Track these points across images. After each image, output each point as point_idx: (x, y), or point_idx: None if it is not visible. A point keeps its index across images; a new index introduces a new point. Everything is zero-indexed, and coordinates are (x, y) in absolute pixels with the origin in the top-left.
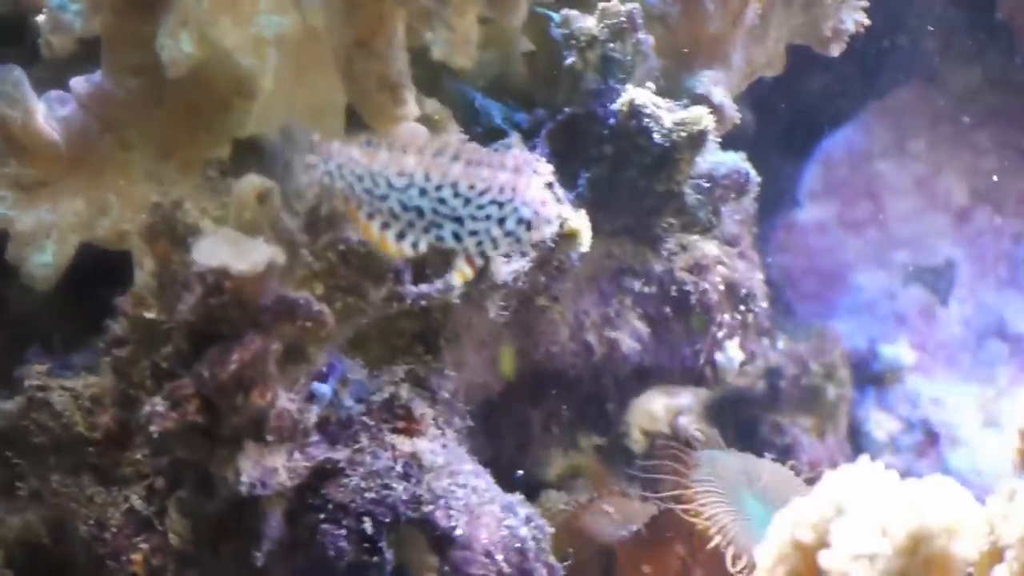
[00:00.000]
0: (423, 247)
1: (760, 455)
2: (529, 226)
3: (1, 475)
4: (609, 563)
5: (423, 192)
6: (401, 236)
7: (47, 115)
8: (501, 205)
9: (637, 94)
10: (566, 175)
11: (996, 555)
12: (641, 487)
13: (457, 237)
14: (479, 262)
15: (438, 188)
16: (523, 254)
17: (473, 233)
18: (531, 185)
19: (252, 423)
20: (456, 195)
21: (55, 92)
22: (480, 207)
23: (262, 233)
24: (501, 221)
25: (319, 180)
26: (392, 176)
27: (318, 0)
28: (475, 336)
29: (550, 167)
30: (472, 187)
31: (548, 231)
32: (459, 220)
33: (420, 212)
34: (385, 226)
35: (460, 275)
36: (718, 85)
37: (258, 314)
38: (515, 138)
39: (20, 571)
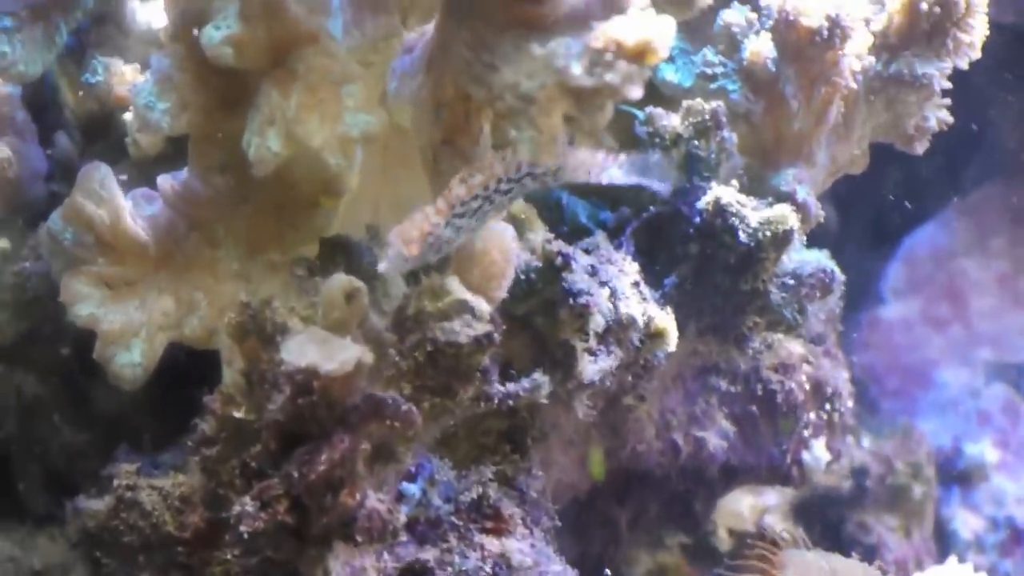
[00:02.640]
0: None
1: (846, 554)
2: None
3: (91, 574)
4: None
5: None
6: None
7: (134, 213)
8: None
9: (722, 192)
10: (651, 274)
11: None
12: None
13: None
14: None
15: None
16: (609, 353)
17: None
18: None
19: (341, 523)
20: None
21: (142, 190)
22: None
23: (350, 333)
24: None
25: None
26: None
27: (405, 99)
28: (562, 435)
29: (636, 266)
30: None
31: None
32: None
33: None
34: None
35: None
36: (802, 183)
37: (347, 414)
38: (600, 237)
39: None
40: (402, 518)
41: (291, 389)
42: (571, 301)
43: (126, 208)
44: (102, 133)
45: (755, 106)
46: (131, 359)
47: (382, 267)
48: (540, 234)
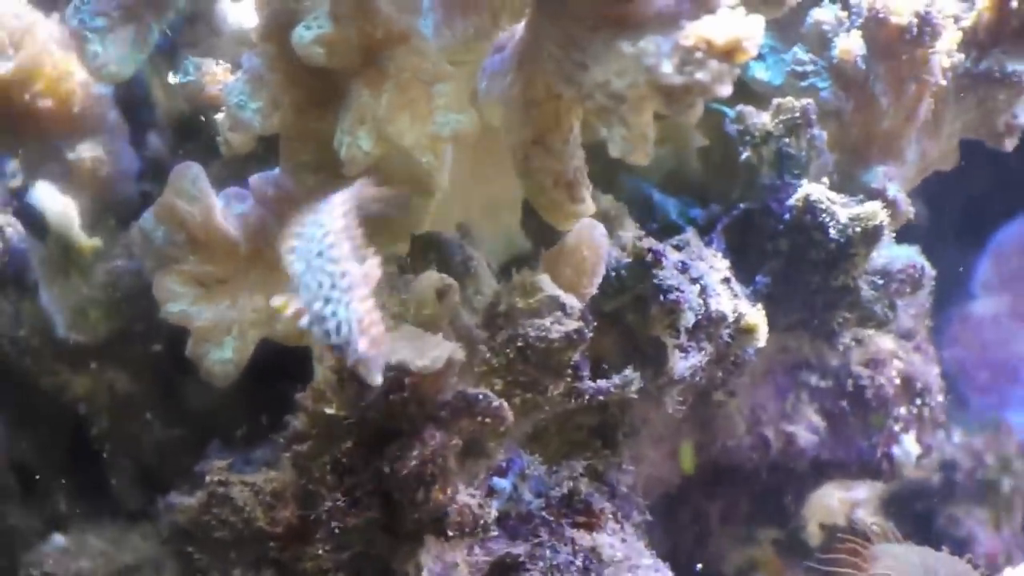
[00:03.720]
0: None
1: (936, 548)
2: (339, 330)
3: (183, 570)
4: None
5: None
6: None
7: (225, 212)
8: (333, 287)
9: (812, 189)
10: (742, 270)
11: None
12: None
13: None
14: (302, 322)
15: (319, 254)
16: (700, 349)
17: (306, 286)
18: (365, 301)
19: (433, 518)
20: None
21: (233, 189)
22: (322, 269)
23: (441, 329)
24: (327, 300)
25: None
26: (320, 209)
27: (495, 97)
28: (653, 431)
29: (726, 262)
30: (332, 245)
31: (354, 362)
32: (308, 264)
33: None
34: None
35: (281, 304)
36: (892, 180)
37: (438, 410)
38: (690, 233)
39: None
40: (493, 513)
41: (382, 385)
42: (662, 297)
43: (217, 207)
44: (194, 132)
45: (845, 104)
46: (223, 356)
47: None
48: (630, 231)
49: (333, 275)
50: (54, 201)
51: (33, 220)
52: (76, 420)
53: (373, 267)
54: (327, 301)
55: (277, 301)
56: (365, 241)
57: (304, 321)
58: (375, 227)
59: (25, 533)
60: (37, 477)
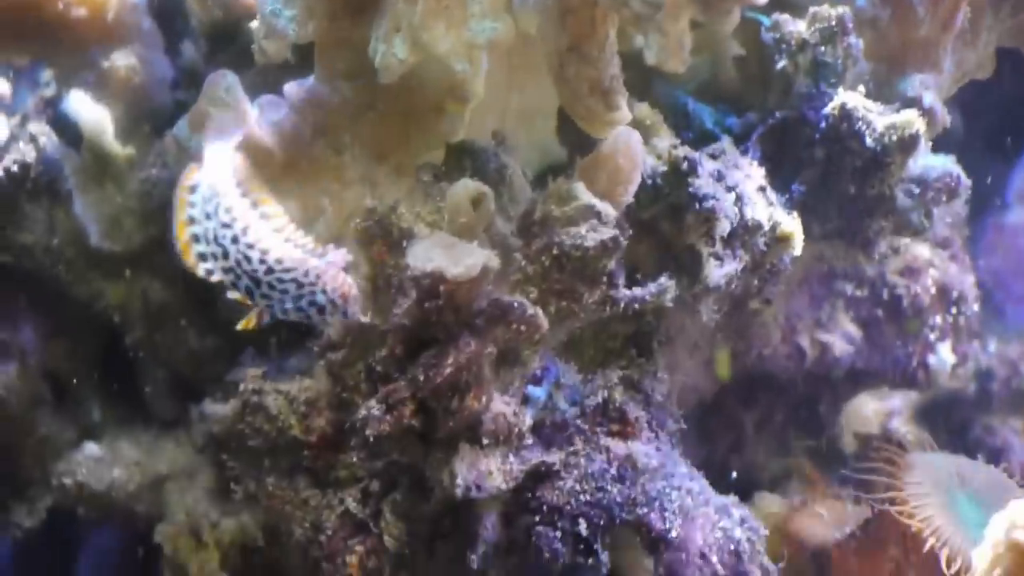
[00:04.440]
0: (215, 278)
1: (972, 457)
2: (322, 311)
3: (217, 478)
4: (823, 565)
5: (235, 240)
6: (203, 258)
7: (260, 120)
8: (300, 285)
9: (848, 98)
10: (777, 178)
11: None
12: (854, 489)
13: (250, 292)
14: (266, 319)
15: (248, 247)
16: (735, 257)
17: (264, 297)
18: (338, 276)
19: (467, 426)
20: (262, 261)
21: (268, 97)
22: (280, 280)
23: (476, 237)
24: (297, 299)
25: (199, 158)
26: (222, 208)
27: (531, 5)
28: (688, 339)
29: (762, 171)
30: (279, 261)
31: (337, 319)
32: (256, 282)
33: (225, 253)
34: (195, 238)
35: (246, 322)
36: (928, 89)
37: (473, 318)
38: (726, 142)
39: (235, 573)
40: (528, 421)
41: (417, 293)
42: (697, 206)
43: (252, 114)
44: (228, 41)
45: (882, 12)
46: None
47: None
48: (666, 139)
49: (296, 280)
50: (88, 110)
51: (67, 129)
52: (110, 329)
53: (336, 253)
54: (298, 299)
55: (240, 326)
56: (316, 242)
57: (269, 319)
58: (408, 134)
59: (58, 442)
60: (75, 382)
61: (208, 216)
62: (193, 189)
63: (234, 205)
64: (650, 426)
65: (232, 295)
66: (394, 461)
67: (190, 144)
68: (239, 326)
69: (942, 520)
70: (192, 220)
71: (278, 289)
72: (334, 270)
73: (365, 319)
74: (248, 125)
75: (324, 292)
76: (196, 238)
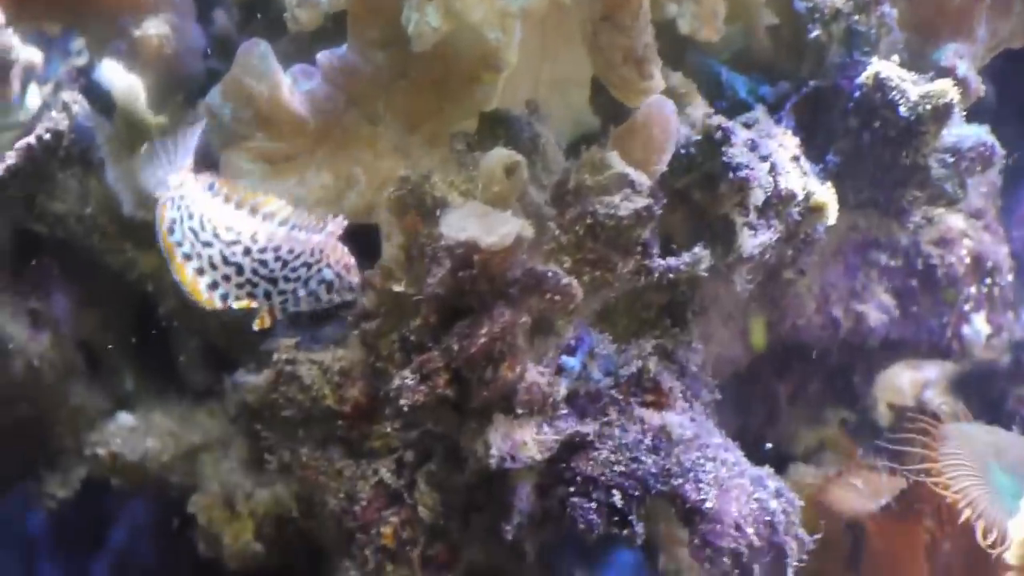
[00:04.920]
0: (233, 302)
1: (1007, 428)
2: (330, 287)
3: (250, 448)
4: (858, 536)
5: (247, 251)
6: (214, 286)
7: (292, 89)
8: (309, 266)
9: (882, 67)
10: (811, 148)
11: None
12: (889, 460)
13: (268, 295)
14: (279, 315)
15: (262, 251)
16: (769, 227)
17: (282, 292)
18: (337, 248)
19: (501, 396)
20: (277, 258)
21: (300, 66)
22: (294, 269)
23: (510, 206)
24: (307, 281)
25: (164, 201)
26: (221, 229)
27: None
28: (722, 309)
29: (795, 140)
30: (291, 251)
31: (348, 296)
32: (274, 281)
33: (240, 269)
34: (199, 272)
35: (259, 321)
36: (962, 58)
37: (507, 287)
38: (760, 111)
39: (269, 543)
40: (562, 391)
41: (451, 263)
42: (731, 175)
43: (285, 84)
44: (260, 9)
45: None
46: None
47: None
48: (700, 108)
49: (306, 263)
50: (120, 79)
51: (99, 97)
52: (142, 298)
53: (334, 222)
54: (308, 280)
55: (256, 325)
56: (308, 218)
57: (281, 315)
58: (442, 103)
59: (91, 412)
60: (109, 352)
61: (207, 244)
62: (172, 230)
63: (232, 221)
64: (684, 396)
65: (238, 305)
66: (428, 431)
67: (223, 113)
68: (254, 327)
69: (977, 491)
70: (188, 257)
71: (292, 279)
72: (333, 241)
73: (359, 292)
74: (187, 156)
75: (329, 266)
76: (200, 271)
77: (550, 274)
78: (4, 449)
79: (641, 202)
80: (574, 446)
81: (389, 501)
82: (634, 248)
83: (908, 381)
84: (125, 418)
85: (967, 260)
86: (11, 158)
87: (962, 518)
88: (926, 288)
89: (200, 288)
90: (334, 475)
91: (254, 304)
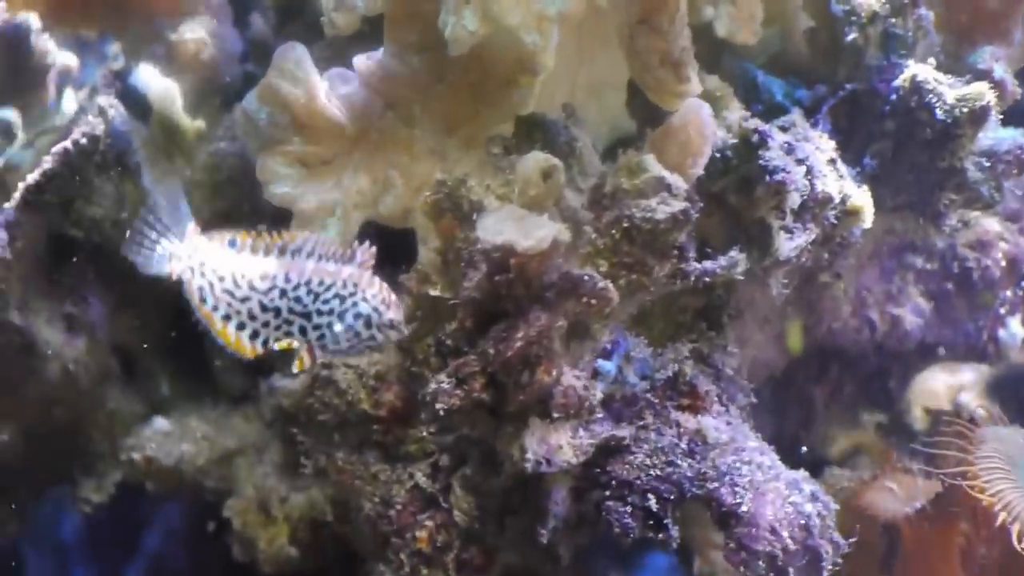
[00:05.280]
0: (272, 345)
1: None
2: (368, 323)
3: (286, 453)
4: (894, 540)
5: (283, 293)
6: (255, 335)
7: (329, 93)
8: (342, 299)
9: (919, 70)
10: (848, 151)
11: None
12: (924, 464)
13: (303, 331)
14: (319, 355)
15: (295, 288)
16: (805, 230)
17: (317, 327)
18: (374, 283)
19: (537, 400)
20: (309, 292)
21: (337, 70)
22: (325, 301)
23: (546, 210)
24: (342, 315)
25: (181, 273)
26: (255, 279)
27: None
28: (758, 313)
29: (832, 143)
30: (322, 283)
31: (392, 334)
32: (307, 316)
33: (277, 312)
34: (241, 327)
35: (299, 363)
36: (999, 60)
37: (543, 291)
38: (796, 114)
39: (304, 548)
40: (598, 395)
41: (487, 266)
42: (767, 178)
43: (322, 88)
44: (297, 13)
45: None
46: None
47: None
48: (736, 112)
49: (337, 294)
50: (157, 83)
51: (136, 102)
52: (178, 303)
53: (364, 252)
54: (343, 315)
55: (295, 367)
56: (342, 245)
57: (321, 354)
58: (478, 107)
59: (126, 417)
60: (144, 356)
61: (245, 300)
62: (204, 298)
63: (264, 268)
64: (720, 400)
65: (279, 346)
66: (464, 435)
67: (259, 117)
68: (294, 369)
69: (1014, 495)
70: (228, 318)
71: (325, 312)
72: (367, 275)
73: (406, 331)
74: (185, 220)
75: (365, 300)
76: (241, 327)
77: (586, 278)
78: (40, 454)
79: (677, 205)
80: (610, 450)
81: (424, 505)
82: (670, 252)
83: (944, 384)
84: (160, 423)
85: (1003, 263)
86: (47, 163)
87: (998, 522)
88: (962, 291)
89: (244, 343)
90: (369, 479)
91: (295, 344)
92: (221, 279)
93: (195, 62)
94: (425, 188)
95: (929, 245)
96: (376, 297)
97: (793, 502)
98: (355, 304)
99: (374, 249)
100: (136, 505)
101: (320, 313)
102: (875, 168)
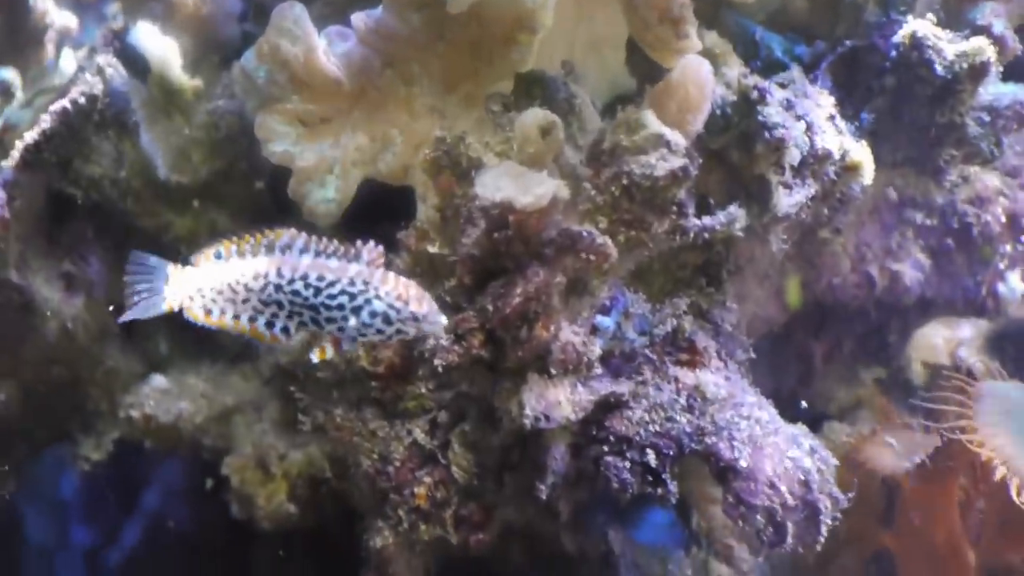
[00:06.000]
0: (294, 331)
1: None
2: (387, 320)
3: (284, 410)
4: (892, 494)
5: (278, 288)
6: (271, 325)
7: (328, 51)
8: (352, 296)
9: (918, 26)
10: (847, 107)
11: None
12: (924, 419)
13: (316, 322)
14: (346, 346)
15: (290, 282)
16: (805, 186)
17: (330, 320)
18: (389, 279)
19: (536, 356)
20: (307, 286)
21: (336, 27)
22: (331, 296)
23: (545, 167)
24: (356, 311)
25: (179, 306)
26: (249, 280)
27: None
28: (757, 269)
29: (831, 99)
30: (321, 278)
31: (425, 326)
32: (314, 308)
33: (280, 304)
34: (252, 320)
35: (320, 352)
36: (999, 16)
37: (542, 247)
38: (796, 71)
39: (302, 504)
40: (597, 351)
41: (486, 223)
42: (767, 134)
43: (320, 46)
44: None
45: None
46: (325, 195)
47: None
48: (735, 68)
49: (344, 291)
50: (155, 42)
51: (134, 61)
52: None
53: (371, 251)
54: (358, 311)
55: (316, 355)
56: (343, 244)
57: (347, 344)
58: (477, 64)
59: (125, 374)
60: None
61: (246, 300)
62: (210, 312)
63: (254, 268)
64: (719, 355)
65: (315, 357)
66: (462, 392)
67: (258, 75)
68: (315, 358)
69: (1012, 449)
70: (237, 317)
71: (333, 307)
72: (380, 273)
73: (443, 321)
74: (163, 265)
75: (378, 298)
76: (253, 319)
77: (585, 234)
78: (38, 412)
79: (677, 162)
80: (608, 406)
81: (423, 462)
82: (669, 208)
83: (943, 339)
84: (159, 380)
85: (1003, 218)
86: (46, 122)
87: (996, 475)
88: (961, 246)
89: (262, 331)
90: (368, 436)
91: (315, 354)
92: (220, 292)
93: (193, 20)
94: (424, 145)
95: (929, 201)
96: (390, 295)
97: (792, 457)
98: (368, 302)
99: (381, 248)
100: (135, 463)
101: (328, 308)
102: (875, 124)
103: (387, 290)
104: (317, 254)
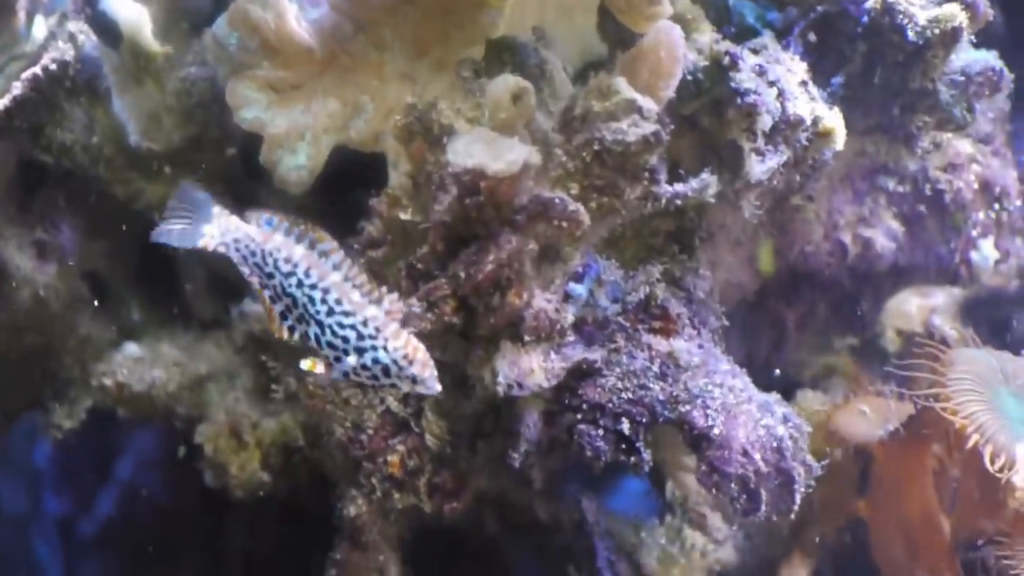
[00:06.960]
0: (296, 336)
1: (1015, 353)
2: (387, 371)
3: (257, 378)
4: (866, 462)
5: (300, 284)
6: (284, 317)
7: (299, 16)
8: (361, 336)
9: None
10: (819, 73)
11: None
12: (897, 386)
13: (317, 340)
14: (335, 375)
15: (312, 287)
16: (777, 152)
17: (331, 346)
18: (400, 336)
19: (508, 323)
20: (323, 300)
21: None
22: (340, 324)
23: (517, 133)
24: (359, 351)
25: (215, 250)
26: (280, 260)
27: None
28: (730, 236)
29: (803, 65)
30: (339, 301)
31: (420, 388)
32: (320, 325)
33: (294, 301)
34: (273, 300)
35: (311, 364)
36: None
37: (513, 214)
38: (767, 37)
39: (276, 473)
40: (569, 318)
41: (458, 190)
42: (739, 100)
43: (291, 11)
44: None
45: None
46: (297, 162)
47: None
48: (707, 35)
49: (355, 327)
50: (126, 8)
51: (105, 27)
52: (149, 228)
53: (393, 303)
54: (361, 352)
55: (305, 364)
56: (371, 282)
57: (337, 374)
58: (449, 29)
59: (98, 342)
60: (115, 282)
61: (270, 276)
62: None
63: (288, 253)
64: (692, 323)
65: (304, 365)
66: (435, 359)
67: (229, 42)
68: (304, 366)
69: (986, 416)
70: (264, 288)
71: (339, 336)
72: (395, 327)
73: (437, 388)
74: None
75: (385, 350)
76: (274, 300)
77: (557, 200)
78: (10, 379)
79: (649, 128)
80: (581, 373)
81: (396, 430)
82: (641, 174)
83: (916, 307)
84: (132, 348)
85: (975, 185)
86: (17, 89)
87: (970, 443)
88: (934, 213)
89: (275, 316)
90: (341, 404)
91: (308, 363)
92: (253, 253)
93: None
94: (396, 112)
95: (901, 167)
96: (398, 351)
97: (765, 425)
98: (374, 348)
99: (402, 304)
100: (108, 431)
101: (333, 332)
102: (847, 90)
103: (396, 345)
104: (346, 279)
